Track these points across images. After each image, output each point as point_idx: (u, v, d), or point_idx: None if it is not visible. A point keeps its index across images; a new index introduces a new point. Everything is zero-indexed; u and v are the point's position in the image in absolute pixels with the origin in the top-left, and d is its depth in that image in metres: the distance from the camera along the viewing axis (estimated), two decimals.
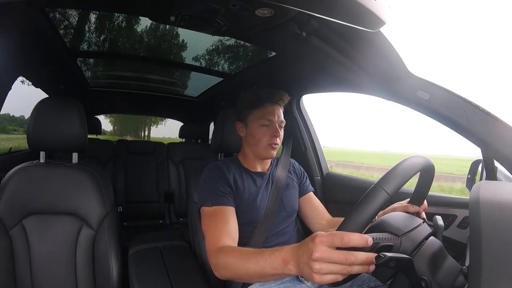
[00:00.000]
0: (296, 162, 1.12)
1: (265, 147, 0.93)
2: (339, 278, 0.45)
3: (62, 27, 1.13)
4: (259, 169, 0.99)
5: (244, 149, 1.00)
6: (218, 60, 1.53)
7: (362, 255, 0.44)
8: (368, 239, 0.44)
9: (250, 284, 0.82)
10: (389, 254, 0.44)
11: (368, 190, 0.49)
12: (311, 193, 1.07)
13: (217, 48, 1.40)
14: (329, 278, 0.45)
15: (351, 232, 0.44)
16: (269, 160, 1.03)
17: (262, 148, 0.93)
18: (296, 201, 1.03)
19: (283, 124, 0.96)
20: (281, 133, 0.95)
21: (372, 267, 0.45)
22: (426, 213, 0.70)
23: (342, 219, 0.50)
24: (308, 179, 1.10)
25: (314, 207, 1.04)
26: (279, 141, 0.94)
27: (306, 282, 0.86)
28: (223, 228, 0.79)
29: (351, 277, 0.49)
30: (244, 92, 0.97)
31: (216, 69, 1.61)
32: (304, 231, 1.12)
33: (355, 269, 0.45)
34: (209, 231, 0.81)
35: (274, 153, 0.95)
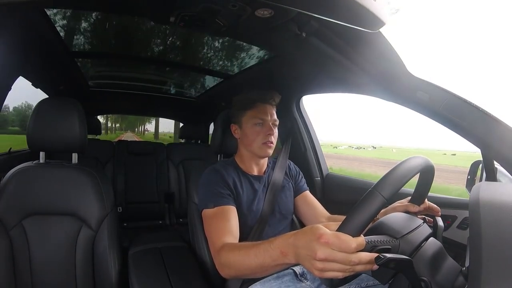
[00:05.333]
0: (291, 162, 1.12)
1: (260, 146, 0.94)
2: (340, 275, 0.45)
3: (62, 27, 1.13)
4: (256, 172, 1.00)
5: (241, 151, 1.01)
6: (218, 60, 1.53)
7: (366, 256, 0.44)
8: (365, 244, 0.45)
9: (249, 284, 0.82)
10: (388, 255, 0.44)
11: (364, 195, 0.49)
12: (307, 192, 1.07)
13: (217, 48, 1.40)
14: (330, 275, 0.45)
15: (357, 238, 0.45)
16: (266, 162, 1.03)
17: (257, 147, 0.94)
18: (291, 203, 1.03)
19: (277, 123, 0.97)
20: (275, 131, 0.96)
21: (376, 266, 0.45)
22: (425, 214, 0.70)
23: (341, 217, 0.50)
24: (303, 178, 1.10)
25: (311, 205, 1.04)
26: (273, 139, 0.95)
27: (306, 282, 0.86)
28: (224, 226, 0.80)
29: (351, 278, 0.49)
30: (236, 96, 1.00)
31: (216, 69, 1.61)
32: None
33: (357, 268, 0.45)
34: (211, 232, 0.82)
35: (270, 151, 0.95)
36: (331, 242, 0.44)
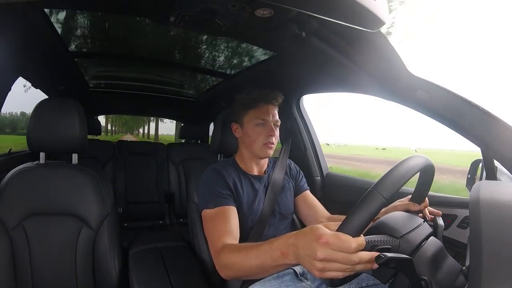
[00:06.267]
0: (292, 162, 1.12)
1: (261, 146, 0.93)
2: (341, 275, 0.45)
3: (62, 27, 1.13)
4: (256, 172, 1.00)
5: (241, 150, 1.00)
6: (218, 60, 1.53)
7: (366, 256, 0.44)
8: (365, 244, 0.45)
9: (249, 284, 0.82)
10: (389, 255, 0.44)
11: (364, 195, 0.49)
12: (307, 192, 1.07)
13: (217, 48, 1.40)
14: (330, 275, 0.45)
15: (357, 238, 0.45)
16: (266, 161, 1.03)
17: (258, 148, 0.94)
18: (292, 203, 1.03)
19: (279, 124, 0.97)
20: (277, 132, 0.95)
21: (376, 265, 0.45)
22: (427, 212, 0.70)
23: (341, 217, 0.50)
24: (304, 178, 1.10)
25: (311, 205, 1.04)
26: (274, 140, 0.94)
27: (306, 281, 0.86)
28: (224, 227, 0.79)
29: (350, 278, 0.49)
30: (239, 94, 0.99)
31: (216, 69, 1.61)
32: None
33: (357, 268, 0.45)
34: (211, 233, 0.82)
35: (271, 152, 0.95)
36: (331, 242, 0.44)
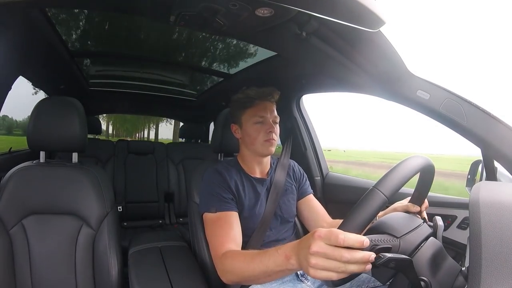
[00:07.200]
0: (296, 164, 1.10)
1: (262, 143, 0.92)
2: (334, 276, 0.44)
3: (63, 27, 1.13)
4: (258, 174, 0.98)
5: (242, 151, 0.99)
6: (218, 60, 1.53)
7: (358, 254, 0.43)
8: (364, 240, 0.43)
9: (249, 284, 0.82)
10: (388, 255, 0.44)
11: (365, 193, 0.49)
12: (311, 196, 1.06)
13: (217, 47, 1.40)
14: (323, 275, 0.44)
15: (349, 232, 0.44)
16: (269, 163, 1.02)
17: (259, 146, 0.92)
18: (294, 206, 1.01)
19: (278, 120, 0.95)
20: (277, 128, 0.94)
21: (369, 267, 0.44)
22: (425, 214, 0.70)
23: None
24: (307, 181, 1.09)
25: (314, 209, 1.03)
26: (275, 136, 0.93)
27: (306, 282, 0.86)
28: (227, 233, 0.79)
29: (350, 278, 0.49)
30: (235, 95, 0.98)
31: (216, 69, 1.61)
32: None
33: (350, 268, 0.43)
34: (213, 237, 0.81)
35: (273, 149, 0.94)
36: (322, 235, 0.44)
